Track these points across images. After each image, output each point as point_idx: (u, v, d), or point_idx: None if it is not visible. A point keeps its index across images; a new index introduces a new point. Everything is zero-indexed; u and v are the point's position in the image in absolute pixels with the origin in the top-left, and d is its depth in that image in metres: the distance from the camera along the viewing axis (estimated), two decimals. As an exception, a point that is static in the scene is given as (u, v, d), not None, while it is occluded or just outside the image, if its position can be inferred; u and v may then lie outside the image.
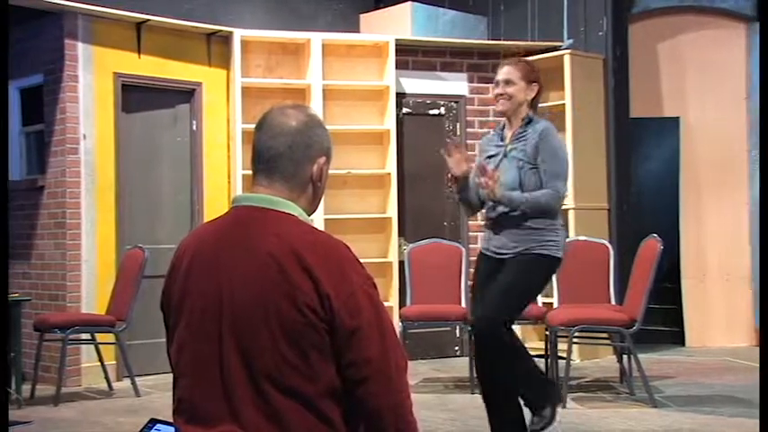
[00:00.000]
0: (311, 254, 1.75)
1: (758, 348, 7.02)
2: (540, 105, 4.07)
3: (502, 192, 3.74)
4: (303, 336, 1.73)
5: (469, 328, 4.06)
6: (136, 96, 6.48)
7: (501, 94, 3.88)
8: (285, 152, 1.86)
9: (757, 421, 4.51)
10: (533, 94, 3.89)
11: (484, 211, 4.01)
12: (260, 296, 1.75)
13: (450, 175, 4.01)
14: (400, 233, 7.03)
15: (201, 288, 1.82)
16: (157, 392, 5.71)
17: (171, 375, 1.91)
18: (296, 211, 1.86)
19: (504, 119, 4.00)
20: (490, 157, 3.93)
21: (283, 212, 1.85)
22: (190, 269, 1.85)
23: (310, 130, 1.89)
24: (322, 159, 1.90)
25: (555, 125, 4.02)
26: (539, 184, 3.80)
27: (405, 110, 7.24)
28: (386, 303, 5.59)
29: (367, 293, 1.78)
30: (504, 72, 3.89)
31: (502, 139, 3.95)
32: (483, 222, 4.06)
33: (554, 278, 5.29)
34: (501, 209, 3.85)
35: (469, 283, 6.22)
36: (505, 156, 3.87)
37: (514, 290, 3.81)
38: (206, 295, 1.81)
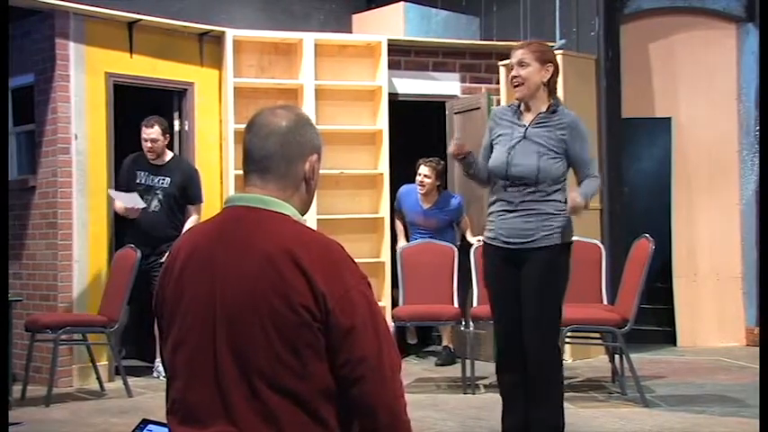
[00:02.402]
0: (306, 253, 1.75)
1: (749, 348, 7.06)
2: None
3: (582, 198, 3.75)
4: (298, 335, 1.72)
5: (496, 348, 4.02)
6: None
7: (516, 77, 3.85)
8: (277, 152, 1.87)
9: (748, 420, 4.55)
10: (549, 76, 3.84)
11: (492, 193, 3.93)
12: (254, 296, 1.74)
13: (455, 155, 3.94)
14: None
15: (195, 289, 1.81)
16: (150, 393, 5.70)
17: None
18: (289, 210, 1.86)
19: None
20: (501, 135, 3.89)
21: (277, 212, 1.85)
22: (183, 270, 1.84)
23: (301, 128, 1.90)
24: (314, 157, 1.91)
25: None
26: (562, 172, 3.83)
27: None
28: (379, 303, 5.57)
29: (362, 293, 1.78)
30: (518, 54, 3.86)
31: (518, 119, 3.90)
32: (489, 209, 3.97)
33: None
34: (514, 190, 3.81)
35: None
36: (525, 138, 3.83)
37: (551, 302, 3.81)
38: (200, 296, 1.80)
